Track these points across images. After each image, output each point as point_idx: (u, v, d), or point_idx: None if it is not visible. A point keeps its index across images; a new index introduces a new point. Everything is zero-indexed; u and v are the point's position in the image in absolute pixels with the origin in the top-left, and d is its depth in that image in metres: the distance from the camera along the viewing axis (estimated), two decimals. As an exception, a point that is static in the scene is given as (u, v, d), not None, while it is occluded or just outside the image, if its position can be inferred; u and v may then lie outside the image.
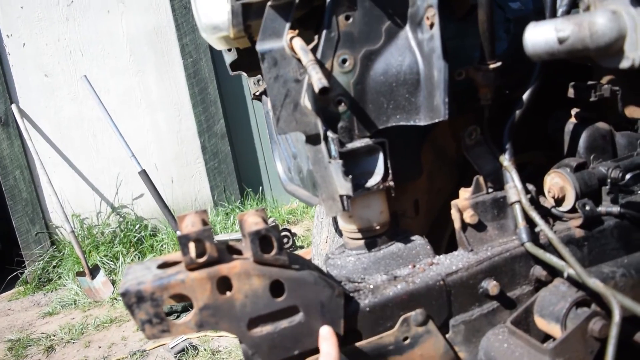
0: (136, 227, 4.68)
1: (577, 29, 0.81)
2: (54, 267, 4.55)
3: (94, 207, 4.76)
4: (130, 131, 4.58)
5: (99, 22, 4.57)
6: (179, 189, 4.88)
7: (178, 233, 0.87)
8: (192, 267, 0.86)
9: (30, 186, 4.53)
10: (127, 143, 4.29)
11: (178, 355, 3.04)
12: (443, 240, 1.43)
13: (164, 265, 0.92)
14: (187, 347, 3.07)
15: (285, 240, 4.00)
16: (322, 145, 0.98)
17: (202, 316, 0.87)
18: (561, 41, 0.82)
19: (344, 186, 0.96)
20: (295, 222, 4.78)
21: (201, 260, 0.86)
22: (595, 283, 0.89)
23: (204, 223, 0.91)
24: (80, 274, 4.21)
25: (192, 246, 0.88)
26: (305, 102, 0.98)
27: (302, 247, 4.15)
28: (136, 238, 4.61)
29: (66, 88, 4.57)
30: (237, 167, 4.96)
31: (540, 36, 0.84)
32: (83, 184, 4.71)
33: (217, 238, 4.07)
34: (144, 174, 4.21)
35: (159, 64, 4.71)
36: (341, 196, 0.98)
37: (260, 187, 5.03)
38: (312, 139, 1.00)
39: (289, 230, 4.13)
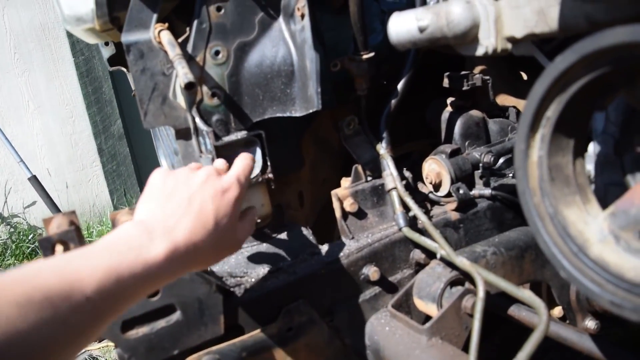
0: (29, 237, 4.40)
1: (435, 18, 0.84)
2: (-64, 284, 4.19)
3: (-19, 218, 4.43)
4: (19, 135, 4.30)
5: (-22, 18, 4.25)
6: (75, 195, 4.64)
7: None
8: (57, 270, 0.82)
9: None
10: (14, 148, 4.02)
11: (77, 367, 2.89)
12: (333, 229, 1.44)
13: (28, 271, 0.86)
14: (87, 359, 2.93)
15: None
16: (193, 139, 0.96)
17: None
18: (421, 30, 0.85)
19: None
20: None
21: (66, 263, 0.81)
22: (462, 261, 0.94)
23: (71, 224, 0.86)
24: (-34, 290, 3.90)
25: (59, 249, 0.83)
26: (176, 95, 0.95)
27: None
28: (30, 249, 4.34)
29: (-58, 90, 4.22)
30: (137, 169, 4.79)
31: (402, 26, 0.86)
32: (-33, 194, 4.37)
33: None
34: (34, 180, 3.96)
35: (48, 62, 4.45)
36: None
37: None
38: (182, 133, 0.98)
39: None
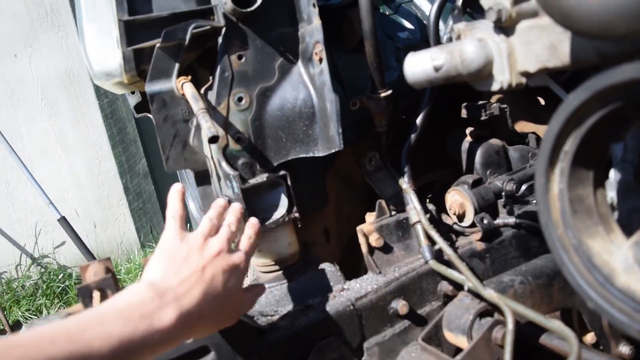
0: (60, 277, 4.47)
1: (449, 57, 0.87)
2: (-28, 327, 4.28)
3: (13, 260, 4.52)
4: (47, 178, 4.40)
5: (6, 67, 4.40)
6: (103, 234, 4.72)
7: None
8: (96, 317, 0.85)
9: (-59, 244, 4.26)
10: (43, 190, 4.12)
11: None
12: (360, 264, 1.46)
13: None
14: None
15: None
16: (213, 181, 1.00)
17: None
18: (437, 69, 0.87)
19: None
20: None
21: (104, 310, 0.84)
22: (489, 294, 0.94)
23: (108, 271, 0.89)
24: (1, 332, 3.97)
25: (96, 295, 0.86)
26: (202, 140, 0.99)
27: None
28: (60, 288, 4.40)
29: (-26, 138, 4.35)
30: (162, 206, 4.86)
31: (418, 66, 0.89)
32: (-1, 237, 4.48)
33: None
34: (63, 220, 4.05)
35: (74, 106, 4.58)
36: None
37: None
38: (201, 176, 1.02)
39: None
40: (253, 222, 0.96)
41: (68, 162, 4.58)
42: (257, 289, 0.95)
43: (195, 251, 0.86)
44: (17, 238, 4.52)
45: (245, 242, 0.94)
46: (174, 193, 0.96)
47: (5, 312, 4.02)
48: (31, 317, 4.16)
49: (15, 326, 3.99)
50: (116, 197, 4.73)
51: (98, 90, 4.54)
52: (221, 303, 0.84)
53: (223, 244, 0.89)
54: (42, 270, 4.53)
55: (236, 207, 0.97)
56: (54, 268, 4.56)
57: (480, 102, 1.31)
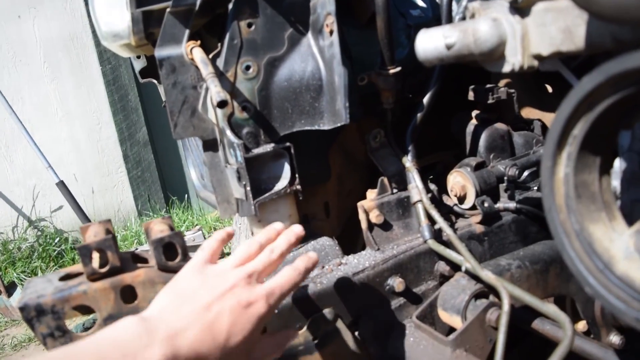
0: (56, 241, 4.49)
1: (462, 36, 0.86)
2: (-34, 286, 4.30)
3: (10, 222, 4.53)
4: (47, 141, 4.40)
5: (9, 27, 4.36)
6: (101, 200, 4.73)
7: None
8: (95, 277, 0.85)
9: (-62, 202, 4.27)
10: (43, 154, 4.12)
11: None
12: (359, 239, 1.46)
13: (66, 277, 0.90)
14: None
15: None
16: (219, 150, 0.99)
17: (107, 326, 0.86)
18: (449, 47, 0.87)
19: (238, 190, 0.98)
20: (222, 229, 4.73)
21: (103, 270, 0.85)
22: (487, 275, 0.95)
23: (108, 232, 0.89)
24: (-5, 292, 4.00)
25: (95, 256, 0.86)
26: (206, 108, 0.98)
27: (228, 254, 4.12)
28: (56, 252, 4.42)
29: (-25, 97, 4.33)
30: (161, 176, 4.86)
31: (429, 43, 0.88)
32: (-4, 198, 4.48)
33: (141, 248, 3.97)
34: (62, 185, 4.05)
35: (76, 71, 4.55)
36: (236, 199, 1.00)
37: (186, 195, 4.95)
38: (209, 144, 1.01)
39: (216, 238, 4.08)
40: (310, 256, 0.83)
41: (68, 127, 4.57)
42: (287, 334, 0.84)
43: (206, 286, 0.75)
44: (14, 200, 4.53)
45: (281, 276, 0.80)
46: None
47: (0, 273, 4.04)
48: (26, 279, 4.18)
49: (11, 287, 4.01)
50: (115, 164, 4.73)
51: (101, 56, 4.51)
52: (225, 347, 0.72)
53: (242, 276, 0.76)
54: (39, 233, 4.55)
55: (294, 231, 0.85)
56: (50, 232, 4.57)
57: (488, 86, 1.30)
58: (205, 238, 3.98)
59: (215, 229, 4.67)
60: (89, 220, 3.97)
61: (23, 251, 4.41)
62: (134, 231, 4.55)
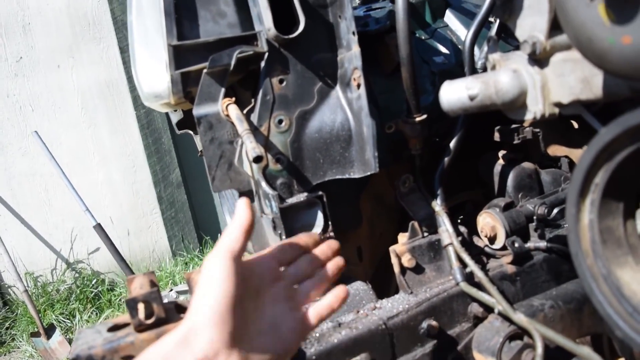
0: (93, 282, 4.59)
1: (484, 87, 0.90)
2: (7, 328, 4.40)
3: (48, 264, 4.65)
4: (84, 185, 4.54)
5: (49, 77, 4.56)
6: (136, 241, 4.83)
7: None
8: (141, 328, 0.89)
9: (-19, 246, 4.41)
10: (80, 197, 4.24)
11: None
12: (391, 283, 1.48)
13: (114, 328, 0.94)
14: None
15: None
16: (255, 201, 1.04)
17: None
18: (472, 98, 0.90)
19: (274, 239, 1.02)
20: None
21: (149, 321, 0.89)
22: (519, 317, 0.96)
23: (152, 284, 0.94)
24: (35, 334, 4.08)
25: (141, 307, 0.91)
26: (242, 161, 1.03)
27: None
28: (93, 293, 4.51)
29: (16, 144, 4.52)
30: (194, 216, 4.95)
31: (453, 94, 0.92)
32: (36, 241, 4.61)
33: (176, 289, 4.02)
34: (99, 227, 4.16)
35: (112, 116, 4.71)
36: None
37: (219, 234, 5.01)
38: (246, 196, 1.06)
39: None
40: (339, 292, 0.78)
41: (105, 170, 4.71)
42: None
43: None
44: (53, 243, 4.66)
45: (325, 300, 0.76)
46: (242, 221, 0.76)
47: (40, 315, 4.14)
48: (64, 321, 4.27)
49: (50, 329, 4.10)
50: (150, 205, 4.84)
51: (135, 101, 4.67)
52: None
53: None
54: (77, 275, 4.65)
55: (331, 246, 0.82)
56: (87, 273, 4.68)
57: (513, 126, 1.33)
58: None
59: (248, 267, 4.69)
60: (125, 262, 4.06)
61: (61, 293, 4.51)
62: (168, 271, 4.62)
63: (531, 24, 0.85)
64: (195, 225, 4.93)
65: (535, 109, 0.88)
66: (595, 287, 0.73)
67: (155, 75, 1.07)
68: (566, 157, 1.44)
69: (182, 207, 4.86)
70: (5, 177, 4.49)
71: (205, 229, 5.03)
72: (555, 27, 0.82)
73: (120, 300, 4.45)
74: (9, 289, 4.52)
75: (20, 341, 4.24)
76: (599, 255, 0.74)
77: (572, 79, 0.83)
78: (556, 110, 0.89)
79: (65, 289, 4.52)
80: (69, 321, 4.30)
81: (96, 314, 4.38)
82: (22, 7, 4.49)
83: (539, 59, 0.87)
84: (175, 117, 1.47)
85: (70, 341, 4.06)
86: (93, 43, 4.64)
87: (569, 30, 0.68)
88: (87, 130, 4.65)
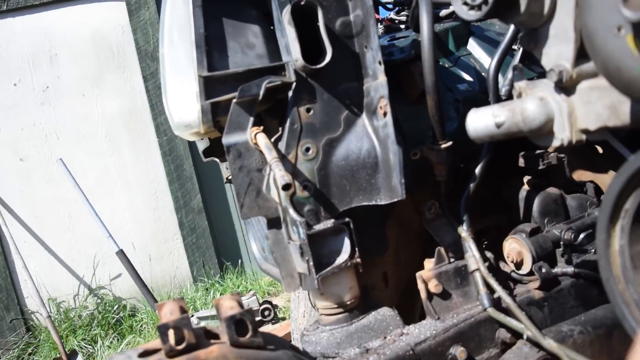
0: (114, 308, 4.61)
1: (511, 115, 0.91)
2: (30, 354, 4.43)
3: (71, 290, 4.70)
4: (107, 211, 4.60)
5: (74, 105, 4.67)
6: (158, 267, 4.86)
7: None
8: (172, 354, 0.91)
9: (5, 272, 4.48)
10: (103, 223, 4.30)
11: None
12: (416, 308, 1.48)
13: (144, 354, 0.95)
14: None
15: (266, 312, 3.99)
16: (283, 227, 1.05)
17: None
18: (498, 126, 0.92)
19: (301, 265, 1.03)
20: (276, 293, 4.77)
21: (180, 347, 0.90)
22: (549, 344, 0.96)
23: (182, 310, 0.96)
24: (57, 360, 4.11)
25: (171, 333, 0.92)
26: (270, 188, 1.05)
27: (283, 319, 4.14)
28: (115, 319, 4.54)
29: (41, 171, 4.61)
30: (215, 242, 4.98)
31: (480, 122, 0.93)
32: (59, 267, 4.67)
33: (197, 315, 4.03)
34: (121, 253, 4.20)
35: (135, 143, 4.79)
36: (299, 274, 1.05)
37: (239, 260, 5.04)
38: (273, 222, 1.08)
39: (270, 303, 4.12)
40: None
41: (127, 197, 4.78)
42: None
43: None
44: (76, 269, 4.71)
45: None
46: None
47: (62, 341, 4.16)
48: (86, 347, 4.29)
49: (72, 355, 4.12)
50: (171, 231, 4.88)
51: (158, 128, 4.75)
52: None
53: None
54: (99, 301, 4.69)
55: None
56: (109, 299, 4.71)
57: (538, 152, 1.33)
58: (259, 303, 4.01)
59: (268, 294, 4.71)
60: (147, 288, 4.09)
61: (83, 319, 4.54)
62: (189, 297, 4.64)
63: (557, 53, 0.86)
64: (216, 251, 4.96)
65: (563, 135, 0.89)
66: (627, 313, 0.73)
67: (186, 105, 1.10)
68: (591, 182, 1.43)
69: (203, 233, 4.89)
70: (30, 204, 4.58)
71: (226, 255, 5.05)
72: (581, 55, 0.84)
73: (141, 326, 4.47)
74: (32, 315, 4.57)
75: (43, 367, 4.26)
76: (631, 281, 0.74)
77: (599, 106, 0.84)
78: (583, 137, 0.89)
79: (88, 315, 4.56)
80: (90, 347, 4.32)
81: (118, 339, 4.39)
82: (49, 38, 4.63)
83: (565, 87, 0.88)
84: (201, 145, 1.50)
85: (92, 367, 4.07)
86: (117, 72, 4.76)
87: (597, 59, 0.69)
88: (110, 157, 4.74)
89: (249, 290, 4.46)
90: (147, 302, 4.29)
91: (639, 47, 0.61)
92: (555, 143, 0.90)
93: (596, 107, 0.85)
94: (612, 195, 0.72)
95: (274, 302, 4.24)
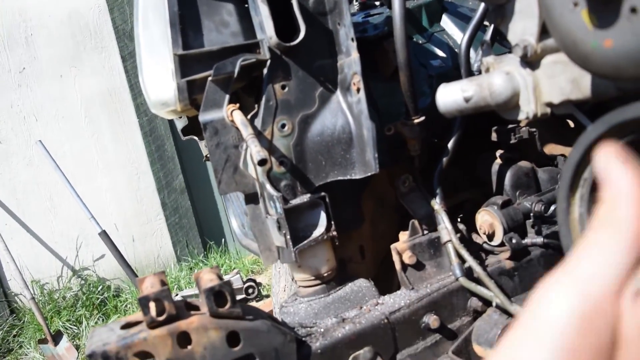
0: (99, 289, 4.62)
1: (478, 89, 0.94)
2: (14, 336, 4.44)
3: (55, 272, 4.70)
4: (89, 193, 4.58)
5: (52, 86, 4.62)
6: (141, 247, 4.87)
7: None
8: (153, 325, 0.93)
9: (-13, 255, 4.46)
10: (85, 205, 4.29)
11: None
12: (393, 280, 1.52)
13: (126, 326, 0.98)
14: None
15: (250, 290, 4.03)
16: (260, 202, 1.08)
17: None
18: (467, 100, 0.94)
19: (278, 239, 1.06)
20: (259, 271, 4.81)
21: (161, 318, 0.93)
22: (516, 309, 1.00)
23: (163, 284, 0.98)
24: (43, 341, 4.12)
25: (152, 306, 0.95)
26: (247, 164, 1.07)
27: (267, 296, 4.18)
28: (99, 300, 4.55)
29: (21, 154, 4.57)
30: (198, 222, 4.99)
31: (449, 97, 0.96)
32: (42, 249, 4.66)
33: (182, 294, 4.06)
34: (104, 234, 4.20)
35: (115, 124, 4.76)
36: (277, 247, 1.08)
37: (223, 239, 5.07)
38: (251, 198, 1.10)
39: (254, 280, 4.16)
40: None
41: (109, 178, 4.76)
42: None
43: None
44: (59, 251, 4.70)
45: None
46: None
47: (47, 322, 4.17)
48: (71, 328, 4.31)
49: (57, 335, 4.14)
50: (154, 212, 4.88)
51: (138, 108, 4.72)
52: None
53: None
54: (82, 282, 4.70)
55: None
56: (93, 280, 4.72)
57: (510, 126, 1.36)
58: (243, 281, 4.05)
59: (252, 272, 4.75)
60: (130, 268, 4.10)
61: (68, 300, 4.55)
62: (173, 277, 4.66)
63: (522, 28, 0.89)
64: (199, 230, 4.98)
65: (528, 109, 0.92)
66: (586, 277, 0.77)
67: (162, 84, 1.11)
68: (562, 155, 1.47)
69: (186, 213, 4.90)
70: (10, 187, 4.54)
71: (210, 234, 5.07)
72: (545, 30, 0.86)
73: (126, 306, 4.49)
74: (16, 297, 4.56)
75: (28, 348, 4.28)
76: (590, 247, 0.77)
77: (562, 80, 0.87)
78: (548, 110, 0.93)
79: (72, 296, 4.56)
80: (75, 327, 4.34)
81: (102, 320, 4.41)
82: (24, 18, 4.55)
83: (530, 62, 0.91)
84: (180, 124, 1.51)
85: (77, 347, 4.09)
86: (95, 52, 4.70)
87: (556, 34, 0.72)
88: (90, 138, 4.70)
89: (233, 269, 4.50)
90: (131, 282, 4.30)
91: (594, 22, 0.64)
92: (522, 116, 0.94)
93: (559, 80, 0.88)
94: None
95: (257, 280, 4.28)
